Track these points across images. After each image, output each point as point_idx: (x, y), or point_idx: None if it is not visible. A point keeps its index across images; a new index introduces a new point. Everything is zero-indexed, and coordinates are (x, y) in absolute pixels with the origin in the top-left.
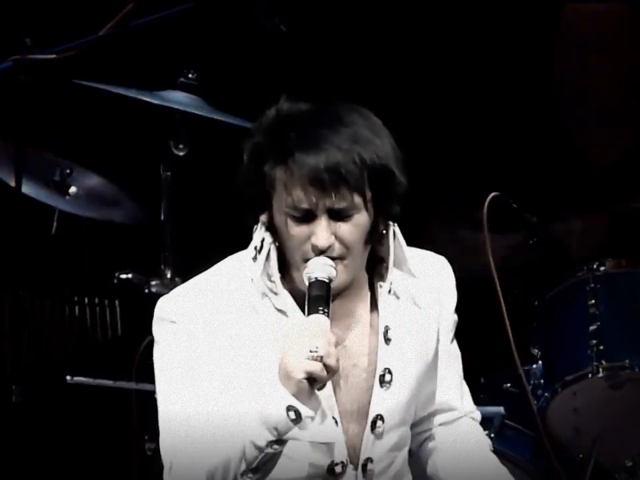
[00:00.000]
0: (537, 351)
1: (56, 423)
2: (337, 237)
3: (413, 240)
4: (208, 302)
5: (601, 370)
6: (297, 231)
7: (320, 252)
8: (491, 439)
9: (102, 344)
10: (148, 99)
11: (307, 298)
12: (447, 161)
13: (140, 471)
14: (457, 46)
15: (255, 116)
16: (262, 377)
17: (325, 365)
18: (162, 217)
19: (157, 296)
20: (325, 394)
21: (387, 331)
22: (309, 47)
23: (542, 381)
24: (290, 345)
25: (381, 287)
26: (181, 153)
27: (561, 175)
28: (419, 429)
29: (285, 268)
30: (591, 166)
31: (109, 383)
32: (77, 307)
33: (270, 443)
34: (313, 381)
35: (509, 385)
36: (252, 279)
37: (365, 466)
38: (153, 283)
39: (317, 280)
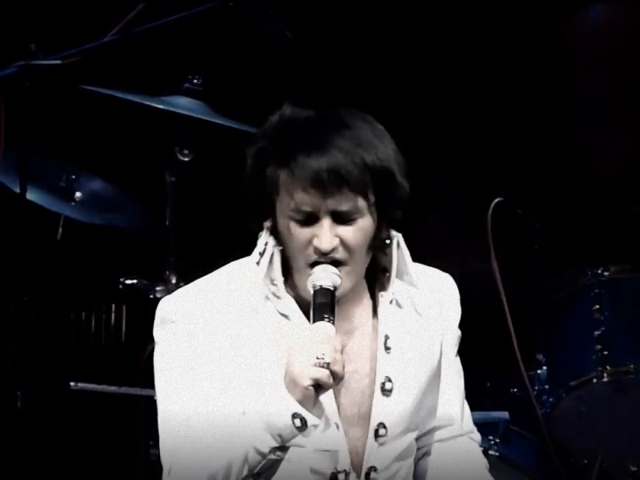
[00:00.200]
0: (541, 356)
1: (60, 429)
2: (340, 241)
3: (419, 252)
4: (208, 302)
5: (605, 375)
6: (300, 233)
7: (323, 255)
8: (496, 443)
9: (106, 349)
10: (153, 105)
11: (312, 306)
12: (448, 163)
13: (145, 476)
14: (457, 46)
15: (259, 122)
16: (262, 377)
17: (331, 372)
18: (167, 223)
19: None
20: (326, 398)
21: (386, 340)
22: (309, 49)
23: (546, 386)
24: (296, 351)
25: (382, 296)
26: (186, 159)
27: (562, 177)
28: (417, 444)
29: (288, 272)
30: (593, 169)
31: (114, 388)
32: (82, 313)
33: (273, 450)
34: (319, 388)
35: (513, 390)
36: (255, 282)
37: (368, 474)
38: (158, 288)
39: (322, 288)
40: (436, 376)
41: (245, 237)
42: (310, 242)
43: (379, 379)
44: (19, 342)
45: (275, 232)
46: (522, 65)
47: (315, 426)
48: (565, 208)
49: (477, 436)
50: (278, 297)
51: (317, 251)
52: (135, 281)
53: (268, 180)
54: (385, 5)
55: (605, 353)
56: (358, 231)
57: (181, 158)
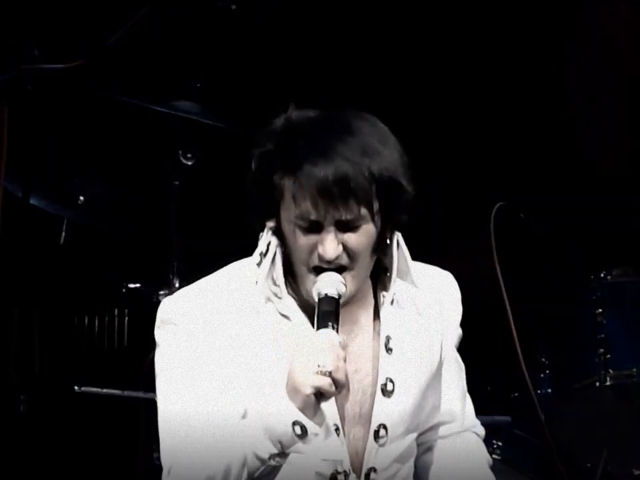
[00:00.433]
0: (544, 359)
1: (64, 433)
2: (344, 247)
3: (420, 250)
4: (208, 302)
5: (608, 378)
6: (305, 240)
7: (327, 262)
8: (499, 447)
9: (110, 353)
10: (156, 108)
11: (316, 313)
12: (448, 163)
13: None
14: (457, 46)
15: (262, 125)
16: (262, 377)
17: (334, 380)
18: (170, 226)
19: None
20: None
21: (388, 341)
22: (310, 49)
23: (549, 390)
24: (299, 359)
25: (383, 297)
26: (189, 162)
27: (562, 177)
28: (419, 441)
29: (290, 273)
30: (594, 169)
31: (117, 392)
32: (85, 317)
33: (273, 456)
34: (321, 396)
35: (516, 394)
36: (256, 282)
37: (367, 475)
38: (162, 292)
39: (327, 296)
40: (436, 376)
41: (248, 241)
42: (314, 248)
43: (380, 380)
44: (22, 346)
45: (277, 232)
46: (522, 64)
47: (316, 434)
48: (565, 208)
49: (481, 430)
50: (279, 298)
51: (322, 258)
52: (138, 285)
53: (273, 185)
54: (385, 5)
55: (608, 356)
56: (362, 237)
57: (185, 162)
